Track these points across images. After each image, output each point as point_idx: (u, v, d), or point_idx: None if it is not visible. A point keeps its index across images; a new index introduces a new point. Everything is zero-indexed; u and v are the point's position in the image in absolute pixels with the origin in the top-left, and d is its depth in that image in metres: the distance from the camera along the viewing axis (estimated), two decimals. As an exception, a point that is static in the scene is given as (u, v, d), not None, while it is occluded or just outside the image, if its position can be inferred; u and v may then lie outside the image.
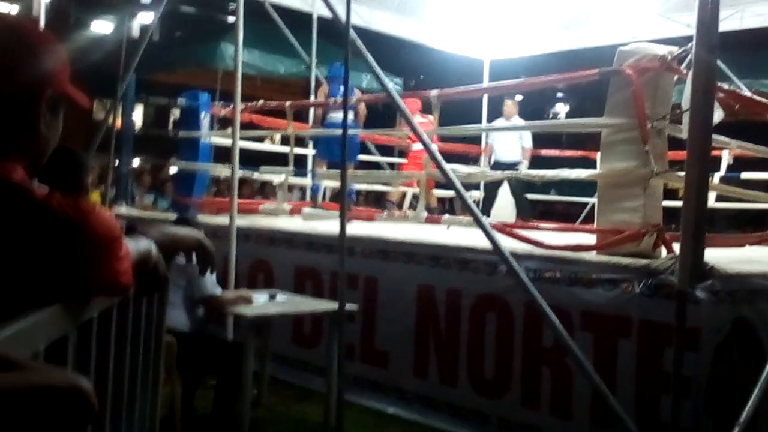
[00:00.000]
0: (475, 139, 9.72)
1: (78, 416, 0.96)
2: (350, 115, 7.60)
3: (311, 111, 9.07)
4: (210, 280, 4.69)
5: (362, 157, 8.94)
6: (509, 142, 8.91)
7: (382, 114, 8.58)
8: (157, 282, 1.60)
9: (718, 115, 4.09)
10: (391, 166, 9.86)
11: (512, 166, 8.51)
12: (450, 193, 9.01)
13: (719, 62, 4.74)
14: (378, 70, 4.74)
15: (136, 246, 1.46)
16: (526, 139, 8.88)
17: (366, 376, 5.41)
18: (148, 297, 1.80)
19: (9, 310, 1.07)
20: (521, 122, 8.69)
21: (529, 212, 8.77)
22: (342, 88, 7.25)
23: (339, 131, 7.14)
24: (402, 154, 10.16)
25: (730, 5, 7.88)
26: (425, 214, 6.82)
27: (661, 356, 4.00)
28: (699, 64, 3.82)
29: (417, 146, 7.94)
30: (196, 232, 1.83)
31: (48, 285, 1.20)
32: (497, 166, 8.74)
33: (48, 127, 1.34)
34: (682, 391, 3.58)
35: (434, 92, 6.34)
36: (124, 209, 8.13)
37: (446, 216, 7.32)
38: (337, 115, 7.62)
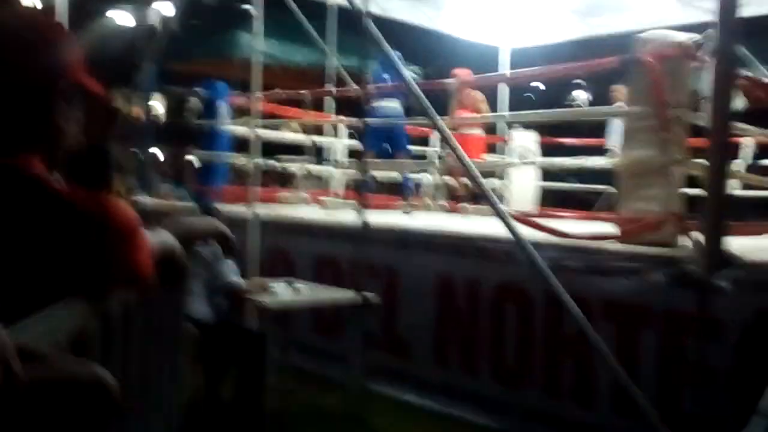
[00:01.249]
0: (493, 129, 9.66)
1: (101, 409, 0.97)
2: (397, 104, 7.55)
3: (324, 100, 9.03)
4: (230, 270, 4.71)
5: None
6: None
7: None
8: (178, 273, 1.60)
9: (739, 103, 4.05)
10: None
11: None
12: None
13: (742, 49, 4.68)
14: (395, 58, 4.72)
15: (156, 237, 1.46)
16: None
17: (387, 365, 5.41)
18: (169, 288, 1.80)
19: (31, 303, 1.08)
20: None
21: None
22: (386, 74, 7.24)
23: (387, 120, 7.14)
24: (420, 142, 10.12)
25: (753, -10, 7.77)
26: (441, 203, 6.81)
27: (683, 346, 3.98)
28: (720, 51, 3.78)
29: (470, 131, 7.80)
30: (214, 221, 1.83)
31: (68, 277, 1.21)
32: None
33: (65, 119, 1.34)
34: (704, 382, 3.56)
35: (453, 80, 6.31)
36: (143, 199, 8.17)
37: (464, 204, 7.32)
38: (386, 104, 7.54)
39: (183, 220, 1.72)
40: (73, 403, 0.94)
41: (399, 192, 8.67)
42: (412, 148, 9.61)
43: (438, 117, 4.78)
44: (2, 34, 1.25)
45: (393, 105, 7.61)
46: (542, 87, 13.33)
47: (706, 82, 4.23)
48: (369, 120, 6.59)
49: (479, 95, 8.21)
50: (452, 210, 7.59)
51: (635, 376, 4.00)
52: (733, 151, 6.53)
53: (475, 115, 8.13)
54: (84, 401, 0.95)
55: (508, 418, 4.76)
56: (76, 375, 0.95)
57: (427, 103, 4.67)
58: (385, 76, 7.24)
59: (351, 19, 5.50)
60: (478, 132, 8.07)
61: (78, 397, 0.94)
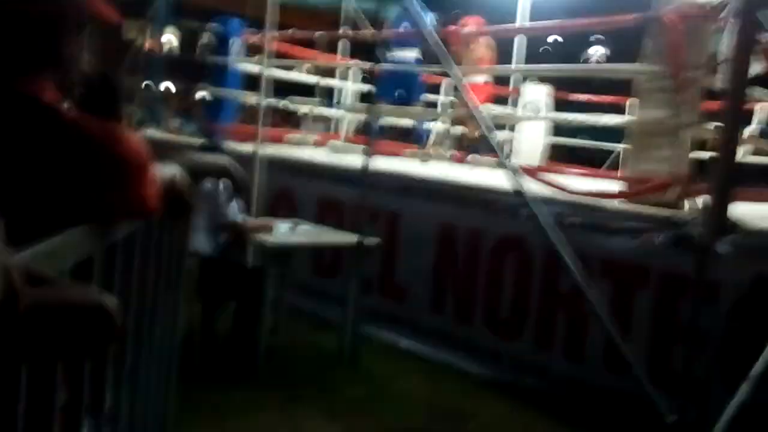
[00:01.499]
0: (505, 80, 9.57)
1: (102, 333, 0.99)
2: (415, 53, 7.44)
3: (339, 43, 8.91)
4: (234, 207, 4.74)
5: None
6: None
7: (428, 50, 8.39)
8: (183, 207, 1.62)
9: (756, 68, 4.01)
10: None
11: None
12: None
13: (762, 13, 4.61)
14: (414, 3, 4.67)
15: (163, 171, 1.47)
16: None
17: (383, 309, 5.47)
18: (174, 222, 1.82)
19: (39, 228, 1.10)
20: None
21: None
22: (405, 22, 7.14)
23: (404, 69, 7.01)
24: (430, 90, 10.03)
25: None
26: (451, 152, 6.79)
27: (677, 308, 4.01)
28: (740, 14, 3.72)
29: (473, 79, 7.71)
30: (224, 159, 1.84)
31: (75, 205, 1.22)
32: None
33: (78, 47, 1.34)
34: (696, 344, 3.60)
35: (467, 30, 6.23)
36: (151, 132, 8.17)
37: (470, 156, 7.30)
38: (403, 53, 7.44)
39: (193, 155, 1.73)
40: (75, 327, 0.96)
41: (410, 139, 8.63)
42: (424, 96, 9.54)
43: (453, 65, 4.74)
44: None
45: (411, 54, 7.51)
46: (560, 40, 13.09)
47: (725, 45, 4.19)
48: (381, 65, 6.54)
49: (488, 41, 8.06)
50: (460, 160, 7.56)
51: (628, 334, 4.04)
52: (746, 117, 6.47)
53: (484, 66, 8.03)
54: (86, 326, 0.97)
55: (500, 366, 4.83)
56: (79, 299, 0.97)
57: (443, 49, 4.63)
58: (406, 23, 7.14)
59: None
60: (482, 79, 7.95)
61: (80, 321, 0.96)
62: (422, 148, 7.81)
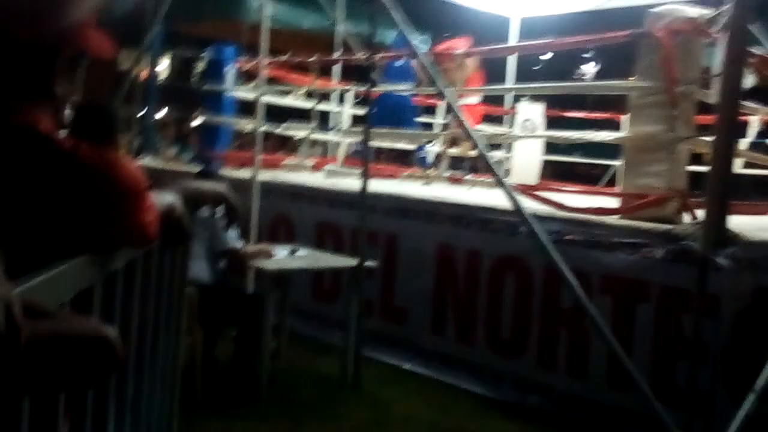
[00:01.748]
0: (499, 99, 9.61)
1: (104, 364, 0.99)
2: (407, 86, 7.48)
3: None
4: (232, 234, 4.73)
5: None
6: None
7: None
8: (181, 235, 1.62)
9: (749, 81, 4.03)
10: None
11: None
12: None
13: (753, 26, 4.65)
14: (404, 26, 4.69)
15: (161, 199, 1.47)
16: None
17: (384, 332, 5.46)
18: (172, 249, 1.82)
19: (36, 260, 1.09)
20: None
21: None
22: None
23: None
24: (427, 111, 10.07)
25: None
26: (448, 173, 6.80)
27: (679, 322, 4.01)
28: (732, 28, 3.75)
29: (466, 100, 7.74)
30: (220, 186, 1.84)
31: (74, 235, 1.22)
32: None
33: (74, 77, 1.34)
34: (699, 358, 3.59)
35: (460, 51, 6.27)
36: (148, 160, 8.18)
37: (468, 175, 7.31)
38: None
39: (188, 183, 1.73)
40: (76, 359, 0.95)
41: (406, 161, 8.64)
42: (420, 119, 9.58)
43: (445, 87, 4.76)
44: None
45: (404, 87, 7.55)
46: (549, 56, 13.18)
47: (717, 59, 4.20)
48: (374, 87, 6.55)
49: (475, 62, 8.08)
50: (456, 180, 7.58)
51: (630, 350, 4.03)
52: (740, 130, 6.49)
53: (475, 87, 8.07)
54: (87, 357, 0.96)
55: (503, 386, 4.81)
56: (81, 330, 0.96)
57: (435, 71, 4.65)
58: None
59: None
60: (474, 100, 7.98)
61: (81, 352, 0.95)
62: (425, 170, 7.80)
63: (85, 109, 1.42)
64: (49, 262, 1.11)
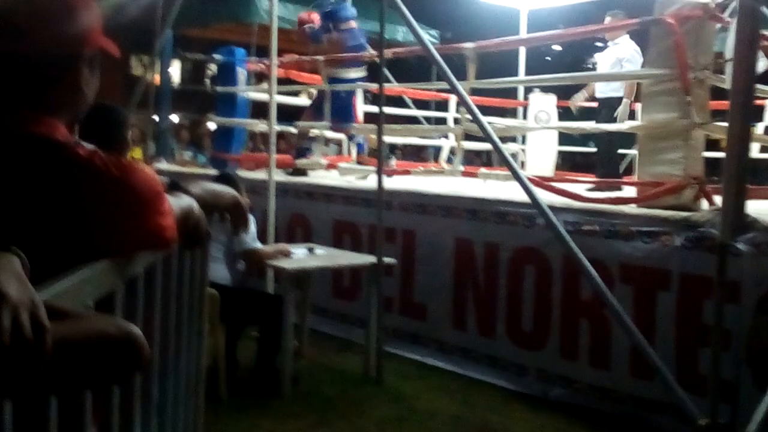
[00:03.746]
0: (512, 92, 9.59)
1: (130, 362, 1.00)
2: (359, 73, 7.37)
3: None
4: (250, 235, 4.76)
5: (400, 111, 8.89)
6: (603, 70, 7.17)
7: (417, 67, 8.45)
8: (200, 237, 1.63)
9: (762, 65, 4.00)
10: (427, 119, 9.79)
11: (611, 102, 6.94)
12: (487, 146, 8.86)
13: (764, 9, 4.61)
14: (413, 22, 4.69)
15: (178, 202, 1.48)
16: (628, 67, 6.76)
17: (405, 328, 5.47)
18: (191, 252, 1.83)
19: (58, 266, 1.10)
20: (630, 46, 6.95)
21: (614, 169, 7.10)
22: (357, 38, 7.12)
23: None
24: (439, 107, 10.05)
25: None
26: (462, 167, 6.79)
27: (700, 309, 3.99)
28: (743, 12, 3.72)
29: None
30: (232, 191, 1.85)
31: (93, 241, 1.23)
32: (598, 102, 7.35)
33: (87, 84, 1.36)
34: (722, 344, 3.57)
35: (470, 45, 6.25)
36: (164, 165, 8.23)
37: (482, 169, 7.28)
38: (347, 74, 7.26)
39: (204, 186, 1.74)
40: (103, 358, 0.96)
41: (420, 157, 8.61)
42: (433, 114, 9.58)
43: (456, 81, 4.76)
44: (28, 3, 1.27)
45: (356, 74, 7.37)
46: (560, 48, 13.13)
47: (730, 44, 4.17)
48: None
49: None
50: (470, 174, 7.56)
51: (652, 339, 4.02)
52: (755, 114, 6.44)
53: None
54: (113, 355, 0.97)
55: (525, 379, 4.80)
56: (105, 330, 0.97)
57: (444, 67, 4.65)
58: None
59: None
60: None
61: (107, 351, 0.96)
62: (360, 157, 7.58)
63: (93, 110, 1.43)
64: (69, 269, 1.12)
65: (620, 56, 6.88)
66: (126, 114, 3.17)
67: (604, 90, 7.12)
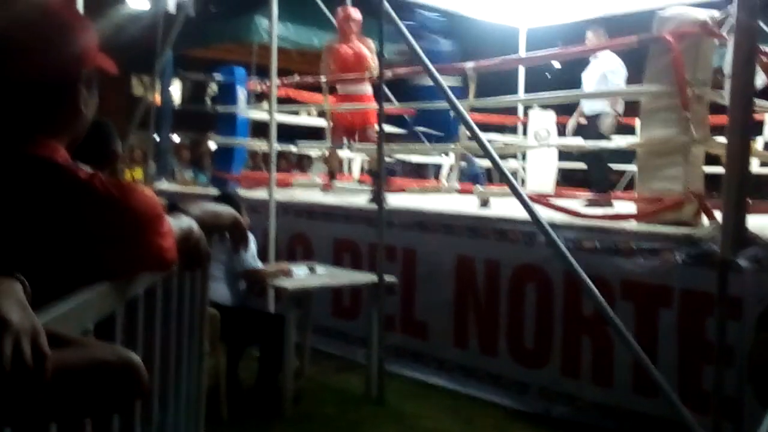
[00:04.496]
0: (512, 110, 9.62)
1: (129, 390, 0.99)
2: (457, 81, 7.08)
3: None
4: (250, 254, 4.76)
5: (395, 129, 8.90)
6: (590, 87, 7.19)
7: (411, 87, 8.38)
8: (200, 257, 1.62)
9: (760, 80, 4.01)
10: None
11: (593, 117, 7.07)
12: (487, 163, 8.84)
13: (762, 24, 4.64)
14: (413, 41, 4.71)
15: (178, 223, 1.48)
16: (614, 79, 6.84)
17: (406, 346, 5.45)
18: (191, 272, 1.83)
19: (59, 288, 1.10)
20: (613, 59, 7.01)
21: (605, 184, 7.10)
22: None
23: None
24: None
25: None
26: (458, 185, 6.79)
27: (702, 326, 3.97)
28: (740, 28, 3.74)
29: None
30: (232, 211, 1.85)
31: (93, 263, 1.23)
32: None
33: (86, 104, 1.36)
34: (724, 361, 3.55)
35: (470, 64, 6.27)
36: (165, 184, 8.24)
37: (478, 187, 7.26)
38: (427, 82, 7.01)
39: (204, 206, 1.74)
40: (102, 386, 0.96)
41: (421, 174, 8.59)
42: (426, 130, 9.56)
43: (456, 100, 4.77)
44: (25, 24, 1.27)
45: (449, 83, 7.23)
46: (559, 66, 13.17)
47: (728, 60, 4.19)
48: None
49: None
50: (467, 191, 7.56)
51: (654, 356, 4.00)
52: (754, 129, 6.45)
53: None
54: (112, 384, 0.97)
55: (527, 397, 4.78)
56: (104, 358, 0.97)
57: (444, 86, 4.66)
58: None
59: (368, 2, 5.47)
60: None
61: (106, 379, 0.96)
62: (479, 187, 7.29)
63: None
64: (69, 291, 1.12)
65: (604, 69, 6.99)
66: (112, 127, 3.14)
67: (593, 107, 7.18)
